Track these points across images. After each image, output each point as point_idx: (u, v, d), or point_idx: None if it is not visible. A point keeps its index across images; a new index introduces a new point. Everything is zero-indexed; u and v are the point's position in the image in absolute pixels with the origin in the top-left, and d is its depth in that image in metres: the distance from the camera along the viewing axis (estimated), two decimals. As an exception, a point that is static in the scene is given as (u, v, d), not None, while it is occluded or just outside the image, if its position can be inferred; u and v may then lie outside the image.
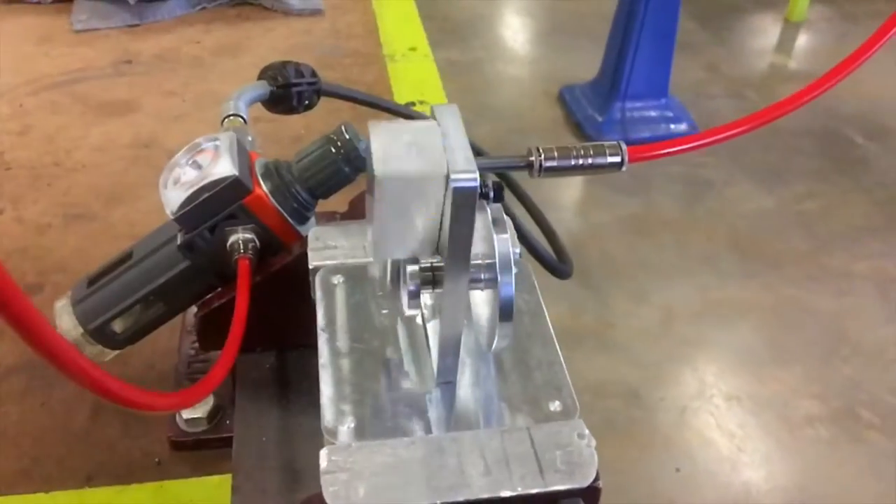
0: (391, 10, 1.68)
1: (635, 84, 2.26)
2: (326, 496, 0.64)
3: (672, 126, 2.30)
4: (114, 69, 1.48)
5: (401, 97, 1.37)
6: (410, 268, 0.69)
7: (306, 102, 1.12)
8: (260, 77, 1.12)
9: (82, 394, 0.99)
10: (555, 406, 0.72)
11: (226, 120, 1.01)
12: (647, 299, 2.02)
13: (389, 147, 0.64)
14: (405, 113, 1.19)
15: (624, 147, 0.66)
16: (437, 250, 0.69)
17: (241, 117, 1.01)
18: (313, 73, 1.13)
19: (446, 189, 0.64)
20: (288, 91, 1.09)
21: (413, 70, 1.43)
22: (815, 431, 1.85)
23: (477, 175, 0.61)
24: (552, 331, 0.79)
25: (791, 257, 2.13)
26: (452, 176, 0.61)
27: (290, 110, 1.12)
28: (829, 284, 2.06)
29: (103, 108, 1.37)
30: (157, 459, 0.94)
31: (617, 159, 0.67)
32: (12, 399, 0.97)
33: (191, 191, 0.84)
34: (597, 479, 0.67)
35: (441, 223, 0.66)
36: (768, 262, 2.10)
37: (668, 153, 0.67)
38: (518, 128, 2.15)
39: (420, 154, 0.64)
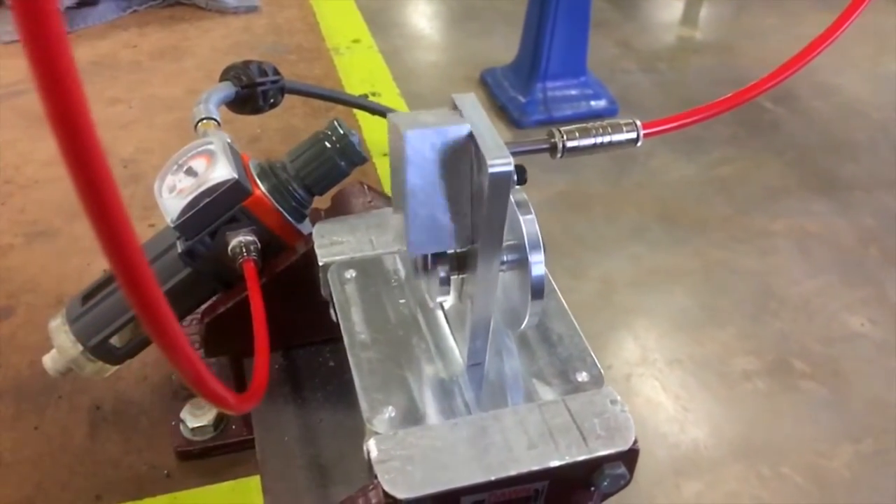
0: (329, 4, 1.67)
1: (554, 64, 2.31)
2: (384, 484, 0.65)
3: (592, 103, 2.37)
4: (51, 79, 1.41)
5: (351, 89, 1.37)
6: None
7: (272, 101, 1.12)
8: (222, 78, 1.10)
9: (77, 413, 0.97)
10: (582, 377, 0.75)
11: (199, 124, 0.99)
12: (585, 273, 2.08)
13: (412, 121, 0.65)
14: (368, 107, 1.20)
15: (639, 123, 0.70)
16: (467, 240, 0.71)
17: (215, 120, 1.00)
18: (275, 71, 1.12)
19: (474, 173, 0.65)
20: (253, 90, 1.09)
21: (360, 62, 1.43)
22: (753, 385, 1.94)
23: (511, 161, 0.63)
24: (566, 305, 0.82)
25: (715, 221, 2.22)
26: (489, 162, 0.63)
27: (256, 110, 1.12)
28: (753, 245, 2.16)
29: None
30: (165, 472, 0.92)
31: (633, 135, 0.70)
32: (4, 425, 0.94)
33: (190, 197, 0.83)
34: (635, 441, 0.71)
35: (472, 212, 0.68)
36: (694, 228, 2.19)
37: (676, 127, 0.71)
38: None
39: (443, 120, 0.66)
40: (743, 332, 2.01)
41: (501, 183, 0.64)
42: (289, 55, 1.52)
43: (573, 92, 2.34)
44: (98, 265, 1.12)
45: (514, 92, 2.33)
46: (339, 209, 1.01)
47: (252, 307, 0.78)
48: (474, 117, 0.68)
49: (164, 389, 1.00)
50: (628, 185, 2.24)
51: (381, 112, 1.20)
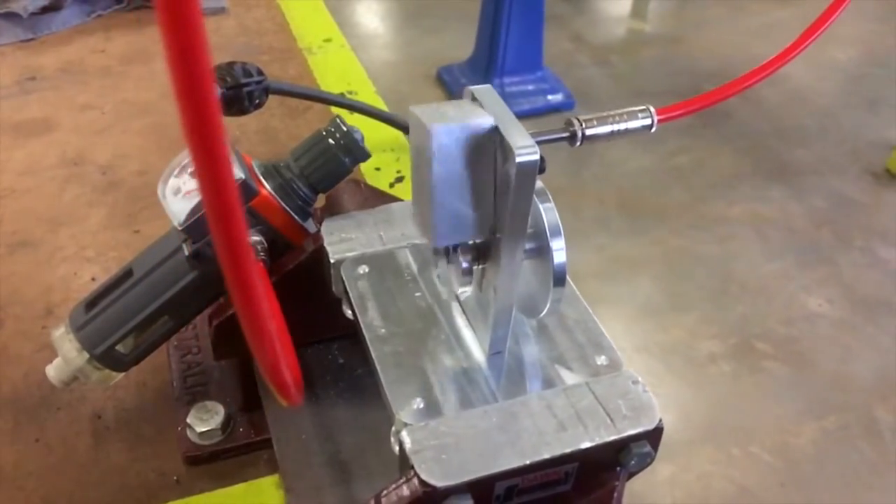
0: (297, 3, 1.66)
1: (510, 59, 2.33)
2: (422, 473, 0.66)
3: (549, 97, 2.40)
4: (19, 87, 1.39)
5: (328, 88, 1.36)
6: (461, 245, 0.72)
7: (257, 102, 1.11)
8: (206, 80, 1.09)
9: (78, 424, 0.95)
10: (601, 360, 0.77)
11: (190, 126, 0.98)
12: (551, 265, 2.11)
13: (434, 113, 0.66)
14: (351, 105, 1.20)
15: (652, 110, 0.71)
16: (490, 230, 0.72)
17: (206, 122, 0.99)
18: (259, 72, 1.12)
19: (500, 163, 0.67)
20: (239, 91, 1.08)
21: (333, 61, 1.42)
22: (719, 368, 1.99)
23: (538, 150, 0.65)
24: (577, 290, 0.84)
25: (674, 210, 2.27)
26: (516, 152, 0.64)
27: (242, 111, 1.11)
28: (711, 231, 2.22)
29: (19, 129, 1.29)
30: (175, 477, 0.91)
31: (647, 122, 0.72)
32: (4, 439, 0.92)
33: (197, 199, 0.82)
34: (660, 420, 0.73)
35: (495, 201, 0.69)
36: (654, 217, 2.23)
37: (688, 111, 0.73)
38: (403, 112, 2.18)
39: (465, 113, 0.67)
40: (706, 317, 2.07)
41: (528, 172, 0.65)
42: (261, 56, 1.51)
43: (530, 87, 2.37)
44: (85, 274, 1.11)
45: (471, 88, 2.35)
46: (334, 207, 1.01)
47: (269, 307, 0.78)
48: (495, 108, 0.69)
49: (165, 394, 0.99)
50: (588, 177, 2.28)
51: (363, 110, 1.20)
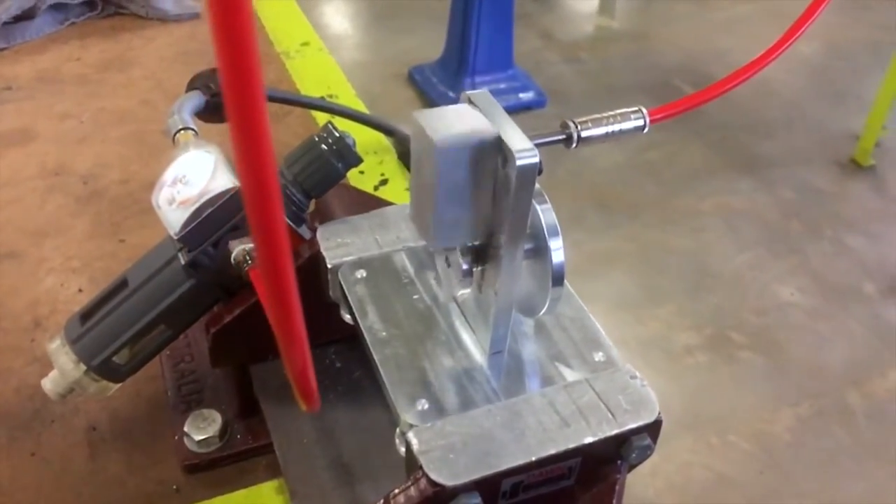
0: (272, 8, 1.65)
1: (481, 58, 2.34)
2: (431, 474, 0.67)
3: (521, 95, 2.41)
4: (-5, 97, 1.38)
5: (307, 92, 1.36)
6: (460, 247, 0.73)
7: (241, 108, 1.11)
8: (190, 87, 1.09)
9: (73, 436, 0.95)
10: (599, 357, 0.79)
11: (178, 134, 0.98)
12: (528, 262, 2.12)
13: (437, 123, 0.67)
14: (331, 109, 1.21)
15: (645, 111, 0.73)
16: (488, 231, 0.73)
17: (193, 129, 0.99)
18: (243, 78, 1.12)
19: (499, 166, 0.68)
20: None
21: (311, 65, 1.42)
22: (695, 359, 2.02)
23: (537, 152, 0.66)
24: (572, 289, 0.85)
25: (647, 204, 2.29)
26: (517, 156, 0.65)
27: (227, 118, 1.11)
28: (684, 225, 2.25)
29: (-3, 140, 1.28)
30: (174, 486, 0.91)
31: (640, 123, 0.73)
32: (-1, 453, 0.92)
33: (193, 208, 0.82)
34: (659, 412, 0.74)
35: (494, 204, 0.70)
36: (628, 212, 2.26)
37: (678, 111, 0.75)
38: (378, 112, 2.18)
39: (468, 122, 0.67)
40: (681, 309, 2.09)
41: (528, 175, 0.66)
42: (239, 61, 1.51)
43: (502, 85, 2.38)
44: (72, 285, 1.10)
45: (443, 87, 2.35)
46: (324, 211, 1.01)
47: (268, 313, 0.78)
48: (493, 113, 0.70)
49: (160, 404, 0.99)
50: (562, 174, 2.30)
51: (348, 115, 1.21)
